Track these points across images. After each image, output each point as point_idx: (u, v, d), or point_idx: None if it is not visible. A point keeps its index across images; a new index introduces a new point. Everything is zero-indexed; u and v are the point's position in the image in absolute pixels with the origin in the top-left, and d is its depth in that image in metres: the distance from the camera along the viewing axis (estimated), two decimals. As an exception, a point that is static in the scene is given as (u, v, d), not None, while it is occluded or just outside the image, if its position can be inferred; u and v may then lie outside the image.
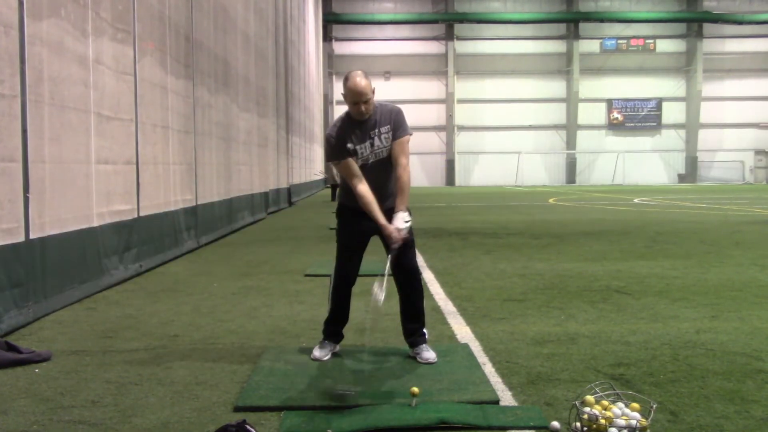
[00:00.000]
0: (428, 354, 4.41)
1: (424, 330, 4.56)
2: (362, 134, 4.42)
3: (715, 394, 3.71)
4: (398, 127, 4.45)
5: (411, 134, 4.56)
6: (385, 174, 4.46)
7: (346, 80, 4.37)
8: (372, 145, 4.42)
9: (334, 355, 4.55)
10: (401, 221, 4.32)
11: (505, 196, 31.36)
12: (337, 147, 4.44)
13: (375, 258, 5.05)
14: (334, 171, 30.05)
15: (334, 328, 4.62)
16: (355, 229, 4.56)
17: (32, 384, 4.01)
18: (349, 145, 4.41)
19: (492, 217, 18.06)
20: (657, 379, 3.99)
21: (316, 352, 4.51)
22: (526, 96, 52.96)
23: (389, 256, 4.34)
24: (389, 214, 4.37)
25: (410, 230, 4.44)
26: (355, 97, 4.33)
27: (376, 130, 4.42)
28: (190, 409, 3.56)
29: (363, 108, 4.35)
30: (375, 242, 4.58)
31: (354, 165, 4.40)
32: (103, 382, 4.02)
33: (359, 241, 4.59)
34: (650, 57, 53.58)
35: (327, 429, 3.22)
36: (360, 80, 4.31)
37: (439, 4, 52.63)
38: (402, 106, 4.69)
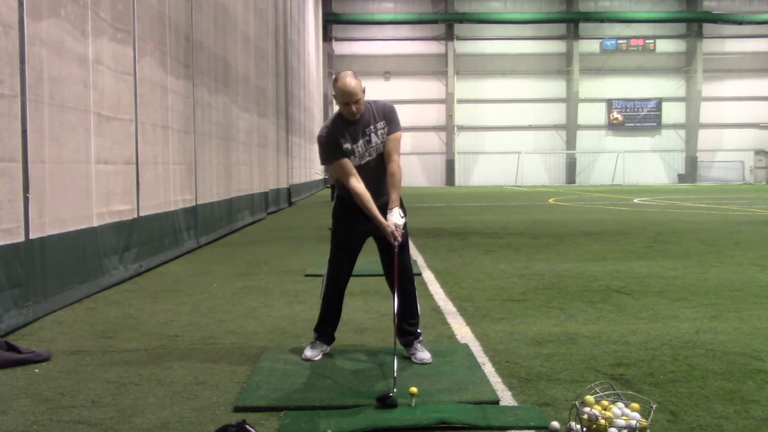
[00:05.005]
0: (423, 354, 4.40)
1: (419, 330, 4.56)
2: (356, 133, 4.39)
3: (715, 394, 3.71)
4: (392, 122, 4.43)
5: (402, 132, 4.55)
6: (379, 171, 4.43)
7: (335, 81, 4.34)
8: (368, 142, 4.40)
9: (326, 355, 4.50)
10: (397, 217, 4.33)
11: (505, 196, 31.34)
12: (330, 148, 4.39)
13: (375, 258, 5.04)
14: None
15: (325, 329, 4.60)
16: (350, 229, 4.54)
17: (32, 384, 4.01)
18: (346, 145, 4.37)
19: (492, 217, 18.05)
20: (657, 379, 3.99)
21: (307, 352, 4.49)
22: (526, 96, 52.93)
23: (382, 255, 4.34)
24: (383, 210, 4.36)
25: (405, 231, 4.44)
26: (345, 98, 4.30)
27: (372, 127, 4.40)
28: (190, 409, 3.56)
29: (354, 108, 4.32)
30: (371, 243, 4.57)
31: (349, 164, 4.37)
32: (103, 382, 4.02)
33: (355, 243, 4.58)
34: (650, 57, 53.57)
35: (327, 429, 3.22)
36: (350, 80, 4.28)
37: (439, 4, 52.61)
38: (402, 106, 4.69)
